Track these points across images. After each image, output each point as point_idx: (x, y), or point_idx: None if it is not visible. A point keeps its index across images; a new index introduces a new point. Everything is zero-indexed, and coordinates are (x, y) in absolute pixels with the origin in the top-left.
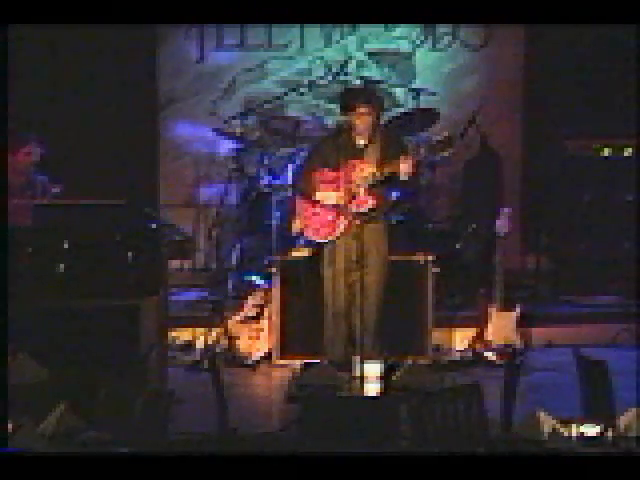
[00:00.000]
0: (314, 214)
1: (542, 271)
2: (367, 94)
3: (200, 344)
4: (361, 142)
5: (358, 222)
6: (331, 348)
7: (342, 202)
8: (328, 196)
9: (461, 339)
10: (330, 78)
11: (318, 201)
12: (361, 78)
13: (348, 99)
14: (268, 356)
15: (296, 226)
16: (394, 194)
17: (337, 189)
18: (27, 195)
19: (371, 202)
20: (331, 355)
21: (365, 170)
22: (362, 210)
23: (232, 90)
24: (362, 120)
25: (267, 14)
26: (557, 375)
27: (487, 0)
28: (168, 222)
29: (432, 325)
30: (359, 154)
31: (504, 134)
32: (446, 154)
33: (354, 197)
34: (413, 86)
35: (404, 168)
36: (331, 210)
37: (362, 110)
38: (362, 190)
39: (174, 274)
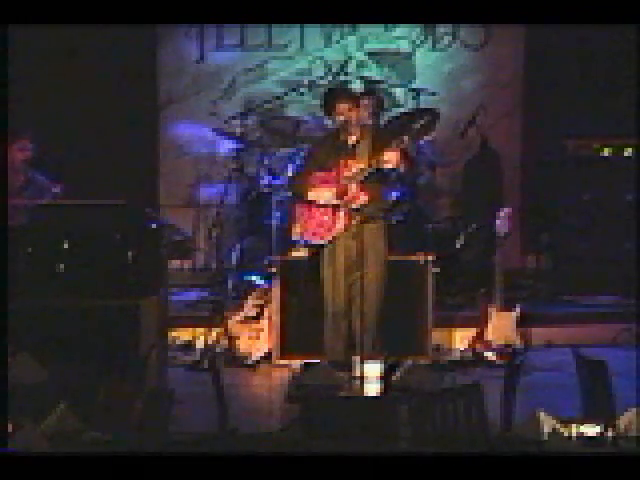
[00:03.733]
0: (311, 217)
1: (542, 271)
2: (345, 92)
3: (200, 344)
4: (352, 140)
5: (356, 221)
6: (331, 348)
7: (335, 199)
8: (321, 194)
9: (461, 339)
10: (330, 78)
11: (313, 203)
12: (361, 78)
13: (327, 100)
14: (268, 356)
15: (296, 231)
16: (394, 194)
17: (330, 187)
18: (25, 195)
19: (363, 198)
20: (331, 355)
21: (355, 166)
22: (355, 206)
23: (232, 90)
24: (345, 117)
25: (267, 14)
26: (557, 375)
27: (487, 0)
28: (168, 222)
29: (432, 325)
30: (351, 152)
31: (504, 134)
32: (430, 138)
33: (346, 193)
34: (413, 86)
35: (389, 159)
36: (327, 211)
37: (342, 107)
38: (354, 186)
39: (174, 274)
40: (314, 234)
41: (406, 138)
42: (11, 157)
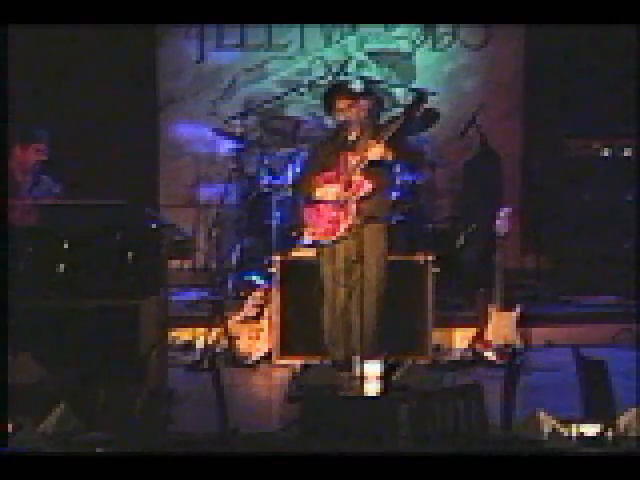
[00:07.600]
0: (320, 216)
1: (542, 271)
2: (344, 88)
3: (200, 344)
4: (352, 136)
5: (358, 221)
6: (332, 348)
7: (341, 194)
8: (327, 191)
9: (461, 339)
10: (330, 78)
11: (319, 202)
12: (361, 78)
13: (327, 96)
14: (268, 356)
15: (308, 233)
16: (394, 194)
17: (335, 184)
18: (33, 194)
19: (368, 186)
20: (332, 355)
21: (355, 157)
22: (361, 194)
23: (232, 90)
24: (345, 114)
25: (267, 14)
26: (557, 375)
27: (487, 0)
28: (168, 222)
29: (432, 325)
30: (351, 148)
31: (504, 134)
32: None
33: (350, 185)
34: (413, 86)
35: (375, 151)
36: (335, 207)
37: (341, 104)
38: (357, 176)
39: (174, 274)
40: (325, 231)
41: (393, 126)
42: (25, 158)
